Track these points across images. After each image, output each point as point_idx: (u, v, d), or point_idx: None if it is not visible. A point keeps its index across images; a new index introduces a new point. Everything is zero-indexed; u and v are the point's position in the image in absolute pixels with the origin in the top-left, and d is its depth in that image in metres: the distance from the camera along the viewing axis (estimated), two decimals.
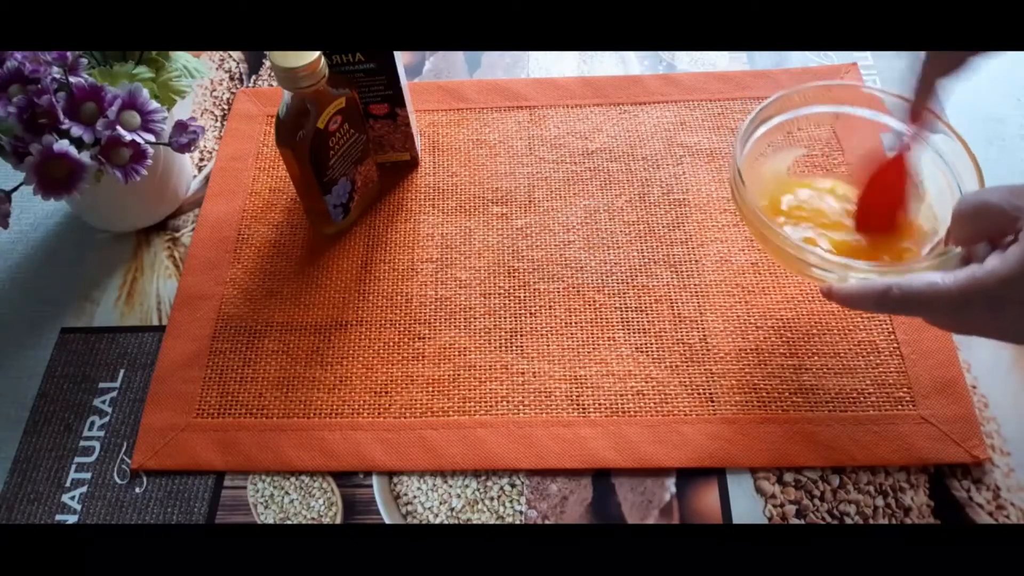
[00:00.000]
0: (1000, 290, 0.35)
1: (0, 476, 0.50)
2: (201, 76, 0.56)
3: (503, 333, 0.53)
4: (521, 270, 0.56)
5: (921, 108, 0.46)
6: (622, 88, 0.65)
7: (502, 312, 0.54)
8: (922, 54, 0.43)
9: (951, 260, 0.41)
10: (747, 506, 0.46)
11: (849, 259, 0.43)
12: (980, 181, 0.44)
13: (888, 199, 0.48)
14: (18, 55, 0.48)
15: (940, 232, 0.46)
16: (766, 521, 0.46)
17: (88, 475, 0.50)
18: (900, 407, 0.49)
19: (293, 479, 0.49)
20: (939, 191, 0.48)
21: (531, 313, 0.54)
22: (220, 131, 0.66)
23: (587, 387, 0.51)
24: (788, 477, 0.47)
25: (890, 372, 0.50)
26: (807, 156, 0.58)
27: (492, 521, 0.47)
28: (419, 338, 0.53)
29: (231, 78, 0.69)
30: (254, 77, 0.69)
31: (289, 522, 0.47)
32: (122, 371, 0.54)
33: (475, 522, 0.47)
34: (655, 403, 0.50)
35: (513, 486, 0.48)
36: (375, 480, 0.49)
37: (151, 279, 0.58)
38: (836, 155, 0.59)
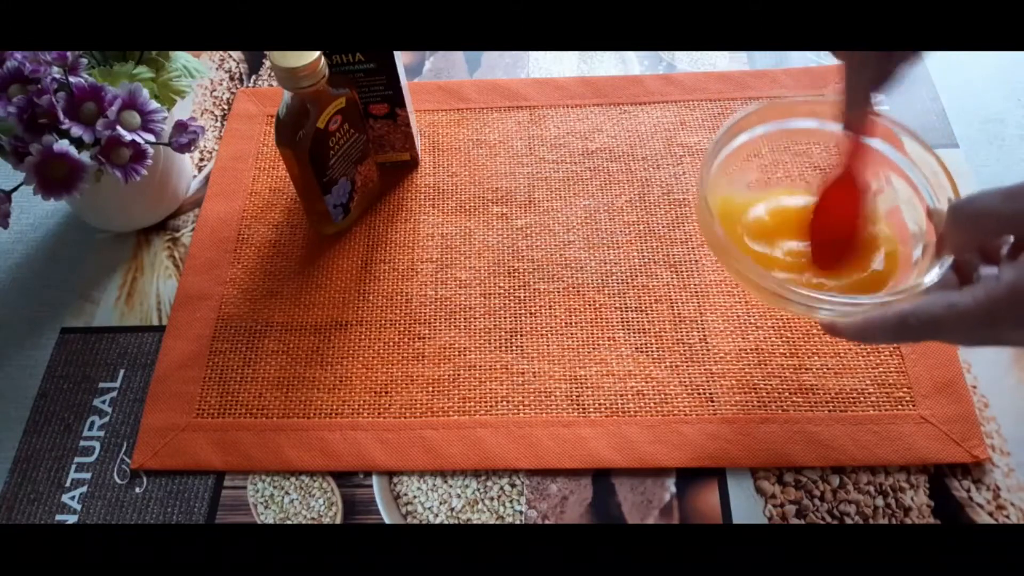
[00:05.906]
0: None
1: (0, 476, 0.50)
2: (201, 76, 0.56)
3: (503, 333, 0.53)
4: (521, 270, 0.56)
5: (856, 118, 0.43)
6: (622, 88, 0.65)
7: (502, 312, 0.54)
8: (843, 63, 0.41)
9: (931, 280, 0.40)
10: (747, 506, 0.46)
11: (832, 294, 0.41)
12: (953, 188, 0.42)
13: (842, 228, 0.45)
14: (18, 55, 0.48)
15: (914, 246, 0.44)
16: (766, 521, 0.46)
17: (88, 475, 0.50)
18: (900, 407, 0.49)
19: (293, 479, 0.49)
20: (906, 202, 0.45)
21: (531, 313, 0.54)
22: (220, 131, 0.65)
23: (587, 387, 0.51)
24: (788, 477, 0.47)
25: (890, 372, 0.50)
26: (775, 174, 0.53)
27: (492, 521, 0.47)
28: (419, 338, 0.53)
29: (231, 78, 0.69)
30: (254, 77, 0.69)
31: (289, 522, 0.47)
32: (122, 371, 0.54)
33: (475, 522, 0.47)
34: (655, 403, 0.50)
35: (513, 486, 0.48)
36: (375, 480, 0.49)
37: (151, 279, 0.58)
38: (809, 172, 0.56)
